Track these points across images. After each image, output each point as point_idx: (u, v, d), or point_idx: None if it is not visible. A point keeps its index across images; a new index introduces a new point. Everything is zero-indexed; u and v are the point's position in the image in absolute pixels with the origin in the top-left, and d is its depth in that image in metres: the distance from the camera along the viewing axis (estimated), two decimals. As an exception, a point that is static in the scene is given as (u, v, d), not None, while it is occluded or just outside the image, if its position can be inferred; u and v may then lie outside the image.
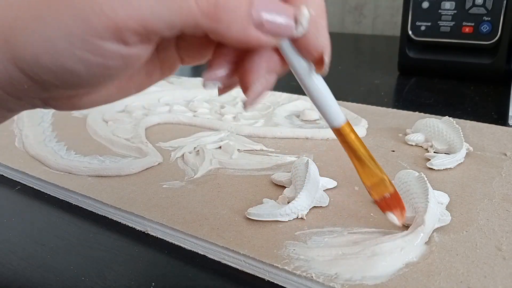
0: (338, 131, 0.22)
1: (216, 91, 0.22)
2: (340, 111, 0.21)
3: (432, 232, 0.26)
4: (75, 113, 0.49)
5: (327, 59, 0.20)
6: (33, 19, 0.17)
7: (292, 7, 0.19)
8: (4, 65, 0.18)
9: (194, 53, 0.23)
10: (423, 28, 0.64)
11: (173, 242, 0.27)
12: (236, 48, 0.20)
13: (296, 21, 0.18)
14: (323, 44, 0.20)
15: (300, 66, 0.20)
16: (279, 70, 0.21)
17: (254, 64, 0.20)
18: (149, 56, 0.19)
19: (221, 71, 0.21)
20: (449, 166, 0.34)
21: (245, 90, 0.20)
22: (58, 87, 0.19)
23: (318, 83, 0.20)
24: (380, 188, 0.24)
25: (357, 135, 0.22)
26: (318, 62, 0.20)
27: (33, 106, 0.21)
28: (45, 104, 0.21)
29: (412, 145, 0.39)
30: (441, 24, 0.62)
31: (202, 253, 0.26)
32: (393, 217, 0.25)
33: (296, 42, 0.20)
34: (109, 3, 0.16)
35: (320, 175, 0.32)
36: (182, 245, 0.27)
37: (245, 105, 0.21)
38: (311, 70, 0.20)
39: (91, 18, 0.16)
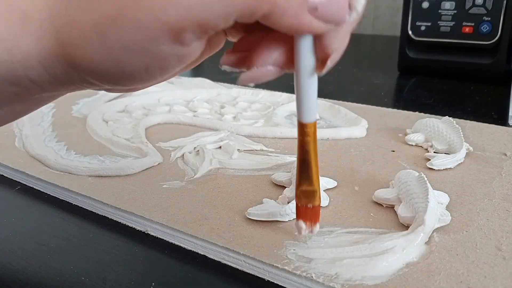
0: (304, 127, 0.22)
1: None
2: (316, 111, 0.22)
3: (432, 232, 0.26)
4: (75, 113, 0.49)
5: (330, 63, 0.20)
6: (91, 30, 0.17)
7: None
8: (61, 64, 0.18)
9: (239, 29, 0.22)
10: (423, 28, 0.64)
11: (173, 242, 0.27)
12: (283, 32, 0.19)
13: (350, 6, 0.18)
14: (337, 47, 0.20)
15: (306, 62, 0.20)
16: (284, 66, 0.20)
17: (266, 51, 0.20)
18: (203, 49, 0.19)
19: (237, 57, 0.21)
20: (449, 166, 0.34)
21: (247, 67, 0.20)
22: (113, 86, 0.20)
23: (312, 81, 0.20)
24: (308, 197, 0.24)
25: (316, 142, 0.23)
26: (322, 63, 0.20)
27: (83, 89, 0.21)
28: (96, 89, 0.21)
29: (412, 145, 0.39)
30: (441, 24, 0.62)
31: (202, 253, 0.26)
32: (302, 226, 0.24)
33: (317, 38, 0.19)
34: (161, 7, 0.16)
35: (320, 175, 0.31)
36: (182, 245, 0.27)
37: (239, 81, 0.20)
38: (312, 68, 0.20)
39: (147, 26, 0.17)
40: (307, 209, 0.24)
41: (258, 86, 0.56)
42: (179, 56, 0.18)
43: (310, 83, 0.20)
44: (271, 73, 0.20)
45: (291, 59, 0.20)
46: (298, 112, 0.22)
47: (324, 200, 0.29)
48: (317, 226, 0.24)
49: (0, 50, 0.18)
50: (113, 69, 0.18)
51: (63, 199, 0.33)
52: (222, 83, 0.57)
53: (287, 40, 0.20)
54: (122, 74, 0.18)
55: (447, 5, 0.62)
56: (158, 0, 0.16)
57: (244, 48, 0.21)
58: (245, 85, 0.20)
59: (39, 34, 0.18)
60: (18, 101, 0.21)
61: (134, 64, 0.18)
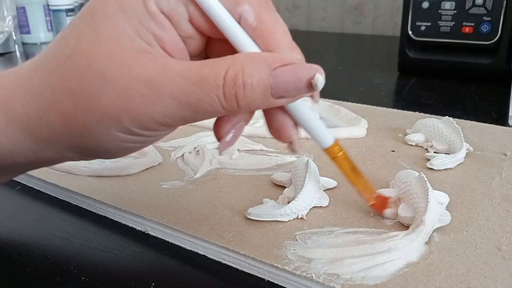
0: (328, 151, 0.25)
1: None
2: (329, 134, 0.24)
3: (432, 232, 0.26)
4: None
5: (318, 94, 0.22)
6: (90, 125, 0.20)
7: (304, 66, 0.20)
8: (64, 150, 0.21)
9: None
10: (423, 28, 0.64)
11: (173, 242, 0.27)
12: None
13: (312, 85, 0.20)
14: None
15: (302, 105, 0.22)
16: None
17: (282, 123, 0.23)
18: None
19: (231, 136, 0.23)
20: (449, 166, 0.34)
21: (289, 142, 0.23)
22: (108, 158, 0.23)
23: (313, 115, 0.23)
24: (368, 191, 0.27)
25: (347, 156, 0.26)
26: (313, 97, 0.22)
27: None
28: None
29: (412, 145, 0.39)
30: (441, 24, 0.62)
31: (202, 253, 0.26)
32: (391, 212, 0.28)
33: None
34: (134, 115, 0.19)
35: (320, 175, 0.32)
36: (182, 245, 0.27)
37: (294, 151, 0.23)
38: (308, 104, 0.23)
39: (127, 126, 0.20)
40: (377, 199, 0.28)
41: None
42: (159, 135, 0.22)
43: (312, 118, 0.23)
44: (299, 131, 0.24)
45: None
46: (318, 143, 0.24)
47: (324, 200, 0.29)
48: (386, 211, 0.28)
49: None
50: (112, 149, 0.21)
51: (63, 199, 0.33)
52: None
53: None
54: (121, 151, 0.22)
55: (447, 5, 0.62)
56: (132, 109, 0.19)
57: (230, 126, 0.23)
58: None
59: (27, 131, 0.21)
60: None
61: (133, 145, 0.21)
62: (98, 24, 0.19)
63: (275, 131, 0.23)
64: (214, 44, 0.23)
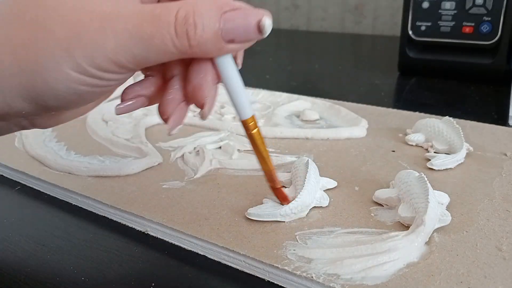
0: (245, 123, 0.25)
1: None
2: (250, 107, 0.24)
3: (432, 232, 0.26)
4: (75, 113, 0.48)
5: (240, 61, 0.24)
6: (50, 59, 0.19)
7: (252, 11, 0.20)
8: (13, 96, 0.20)
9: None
10: (423, 28, 0.63)
11: (173, 242, 0.27)
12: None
13: (260, 29, 0.20)
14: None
15: (233, 69, 0.23)
16: (217, 80, 0.23)
17: (202, 80, 0.22)
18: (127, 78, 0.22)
19: (176, 116, 0.23)
20: (449, 166, 0.34)
21: (201, 104, 0.23)
22: (60, 108, 0.21)
23: (241, 83, 0.23)
24: (273, 180, 0.27)
25: (259, 131, 0.26)
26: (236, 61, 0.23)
27: (19, 127, 0.23)
28: (31, 124, 0.23)
29: (412, 145, 0.39)
30: (441, 24, 0.62)
31: (202, 254, 0.26)
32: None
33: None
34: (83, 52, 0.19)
35: (320, 175, 0.31)
36: (182, 245, 0.27)
37: (204, 116, 0.23)
38: (237, 71, 0.23)
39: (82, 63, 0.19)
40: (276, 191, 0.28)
41: (258, 86, 0.56)
42: (118, 79, 0.21)
43: (240, 84, 0.23)
44: (217, 92, 0.24)
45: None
46: (238, 111, 0.24)
47: (324, 200, 0.29)
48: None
49: None
50: (65, 90, 0.20)
51: (63, 199, 0.33)
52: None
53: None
54: (72, 94, 0.20)
55: (447, 5, 0.61)
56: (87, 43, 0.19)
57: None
58: (210, 114, 0.24)
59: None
60: None
61: (84, 84, 0.20)
62: None
63: (193, 88, 0.22)
64: None
